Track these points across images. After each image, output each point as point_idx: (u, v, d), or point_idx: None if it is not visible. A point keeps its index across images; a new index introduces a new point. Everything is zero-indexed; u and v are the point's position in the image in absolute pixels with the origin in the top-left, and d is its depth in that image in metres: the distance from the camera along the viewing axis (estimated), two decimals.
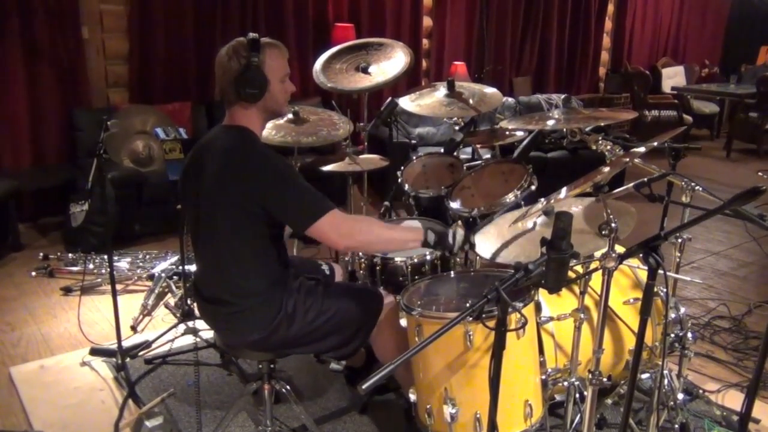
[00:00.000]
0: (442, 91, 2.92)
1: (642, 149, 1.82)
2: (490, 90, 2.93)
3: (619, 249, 1.83)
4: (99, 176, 2.76)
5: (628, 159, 1.81)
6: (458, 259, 2.82)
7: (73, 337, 3.23)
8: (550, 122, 2.15)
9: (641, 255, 1.56)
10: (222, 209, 1.98)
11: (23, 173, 4.61)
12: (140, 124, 4.61)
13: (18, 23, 4.49)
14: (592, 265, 1.97)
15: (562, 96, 6.48)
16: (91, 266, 3.98)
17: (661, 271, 1.56)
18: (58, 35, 4.65)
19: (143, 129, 4.59)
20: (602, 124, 2.09)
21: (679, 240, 2.27)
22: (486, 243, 2.12)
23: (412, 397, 1.99)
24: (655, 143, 1.94)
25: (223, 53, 1.99)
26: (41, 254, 4.10)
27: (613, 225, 1.66)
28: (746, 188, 1.38)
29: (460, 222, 2.14)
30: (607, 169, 1.84)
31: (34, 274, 3.95)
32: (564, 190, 1.85)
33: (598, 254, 1.86)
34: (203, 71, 5.21)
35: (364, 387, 1.29)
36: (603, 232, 1.67)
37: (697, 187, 2.15)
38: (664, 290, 2.36)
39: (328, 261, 2.63)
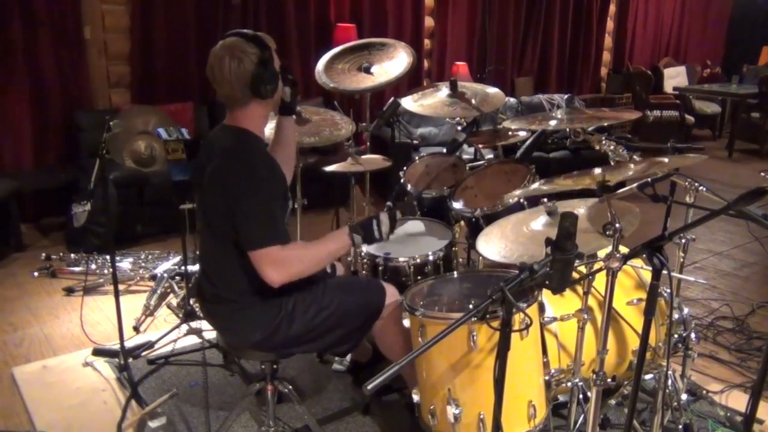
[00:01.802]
0: (444, 91, 2.91)
1: (666, 159, 1.79)
2: (493, 90, 2.93)
3: (623, 249, 1.82)
4: (101, 176, 2.76)
5: (633, 165, 1.80)
6: (461, 260, 2.83)
7: (76, 338, 3.23)
8: (553, 122, 2.15)
9: (645, 255, 1.56)
10: (217, 208, 1.98)
11: (25, 173, 4.62)
12: (142, 125, 4.60)
13: (20, 24, 4.49)
14: (597, 266, 1.96)
15: (565, 96, 6.48)
16: (93, 266, 3.98)
17: (665, 272, 1.55)
18: (59, 35, 4.66)
19: (145, 129, 4.58)
20: (605, 124, 2.08)
21: (683, 240, 2.26)
22: (489, 244, 2.12)
23: (416, 397, 1.98)
24: (663, 149, 1.93)
25: (227, 58, 1.94)
26: (43, 254, 4.10)
27: (617, 225, 1.65)
28: (750, 189, 1.37)
29: (386, 208, 2.13)
30: (598, 170, 1.82)
31: (36, 274, 3.95)
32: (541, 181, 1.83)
33: (602, 254, 1.86)
34: (205, 72, 5.19)
35: (369, 387, 1.28)
36: (607, 233, 1.66)
37: (701, 188, 2.15)
38: (668, 291, 2.36)
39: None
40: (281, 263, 1.91)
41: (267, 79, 1.96)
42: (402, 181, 2.89)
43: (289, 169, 2.32)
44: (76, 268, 4.01)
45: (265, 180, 1.95)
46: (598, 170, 1.76)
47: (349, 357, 2.82)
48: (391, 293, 2.22)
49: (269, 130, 2.83)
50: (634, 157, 1.84)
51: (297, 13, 5.69)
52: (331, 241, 2.08)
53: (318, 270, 2.08)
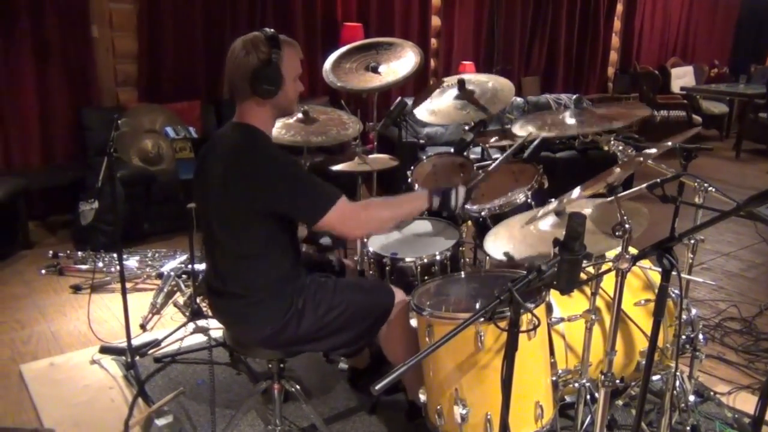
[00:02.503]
0: (451, 92, 2.90)
1: (655, 150, 1.81)
2: (502, 82, 2.90)
3: (631, 250, 1.82)
4: (109, 175, 2.77)
5: (642, 160, 1.80)
6: (467, 259, 2.82)
7: (83, 335, 3.24)
8: (567, 124, 2.14)
9: (655, 256, 1.55)
10: (231, 208, 1.98)
11: (33, 172, 4.63)
12: (149, 123, 4.60)
13: (28, 22, 4.51)
14: (605, 267, 1.96)
15: (572, 96, 6.46)
16: (100, 264, 3.99)
17: (674, 273, 1.55)
18: (67, 34, 4.67)
19: (152, 128, 4.59)
20: (618, 125, 2.07)
21: (692, 241, 2.26)
22: (497, 244, 2.11)
23: (422, 397, 1.98)
24: (669, 144, 1.92)
25: (239, 47, 1.96)
26: (51, 252, 4.12)
27: (626, 226, 1.65)
28: (761, 190, 1.37)
29: (461, 185, 2.18)
30: (618, 169, 1.83)
31: (43, 272, 3.97)
32: (577, 190, 1.84)
33: (611, 255, 1.85)
34: (212, 70, 5.22)
35: (377, 388, 1.28)
36: (617, 234, 1.66)
37: (710, 188, 2.14)
38: (676, 292, 2.36)
39: (338, 256, 2.63)
40: (356, 218, 2.01)
41: (266, 79, 1.96)
42: (409, 180, 2.89)
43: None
44: (84, 266, 4.02)
45: (290, 160, 1.97)
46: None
47: (347, 365, 2.82)
48: (399, 296, 2.22)
49: (274, 129, 2.85)
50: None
51: (304, 13, 5.70)
52: (410, 201, 2.18)
53: (396, 224, 2.21)
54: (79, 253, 4.15)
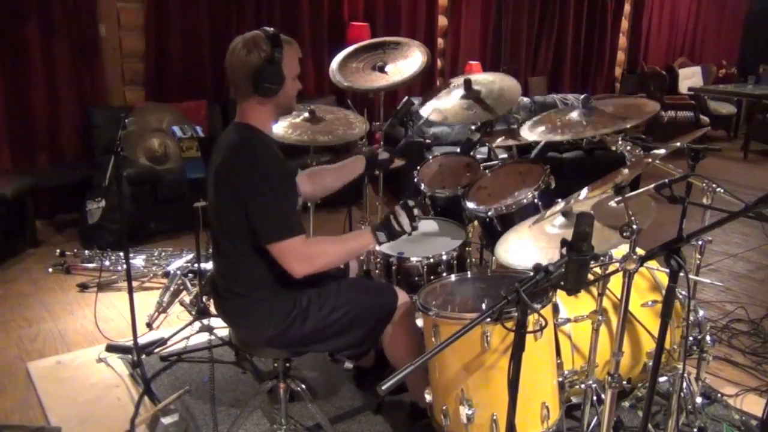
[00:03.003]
0: (458, 92, 2.89)
1: (663, 151, 1.80)
2: (508, 81, 2.89)
3: (638, 251, 1.81)
4: (116, 174, 2.77)
5: (650, 160, 1.79)
6: (474, 260, 2.82)
7: (90, 334, 3.25)
8: (576, 124, 2.13)
9: (662, 257, 1.55)
10: (228, 205, 2.00)
11: (40, 170, 4.66)
12: (156, 122, 4.61)
13: (36, 22, 4.53)
14: (613, 267, 1.95)
15: (579, 96, 6.43)
16: (107, 263, 4.00)
17: (682, 274, 1.54)
18: (75, 33, 4.69)
19: (159, 127, 4.60)
20: (629, 125, 2.06)
21: (699, 242, 2.24)
22: (504, 245, 2.11)
23: (428, 397, 1.98)
24: (678, 144, 1.91)
25: (240, 46, 1.97)
26: (58, 251, 4.14)
27: (634, 227, 1.64)
28: None
29: (397, 207, 2.14)
30: (626, 170, 1.82)
31: (50, 270, 3.99)
32: (584, 191, 1.83)
33: (618, 256, 1.84)
34: (219, 70, 5.22)
35: (383, 388, 1.28)
36: (624, 234, 1.65)
37: (718, 189, 2.13)
38: (683, 293, 2.34)
39: None
40: (306, 255, 1.96)
41: (268, 78, 1.96)
42: (416, 180, 2.89)
43: (325, 188, 2.51)
44: (90, 265, 4.03)
45: (275, 174, 1.96)
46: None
47: (352, 365, 2.82)
48: (402, 298, 2.22)
49: (280, 129, 2.86)
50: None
51: (311, 12, 5.70)
52: (355, 239, 2.14)
53: (339, 264, 2.15)
54: (86, 251, 4.17)
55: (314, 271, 1.98)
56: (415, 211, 2.11)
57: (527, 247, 2.07)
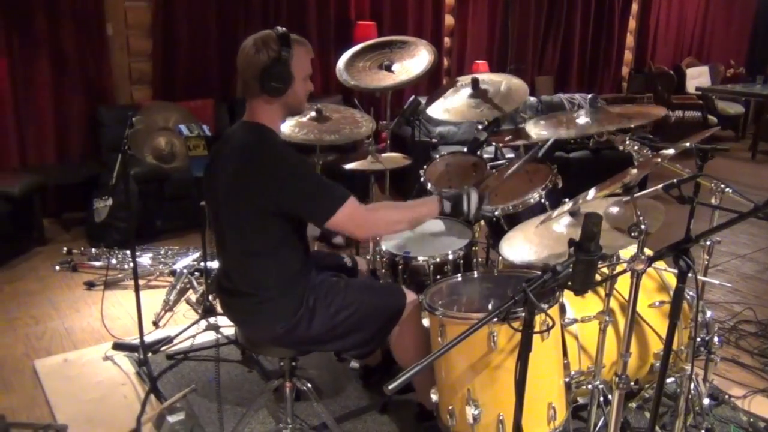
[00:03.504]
0: (465, 91, 2.89)
1: (672, 151, 1.79)
2: (515, 81, 2.89)
3: (646, 251, 1.80)
4: (123, 172, 2.78)
5: (659, 160, 1.78)
6: (480, 259, 2.81)
7: (96, 332, 3.26)
8: (581, 121, 2.12)
9: (670, 258, 1.54)
10: (240, 206, 1.99)
11: (48, 169, 4.67)
12: (163, 121, 4.63)
13: (43, 21, 4.54)
14: (620, 268, 1.94)
15: (587, 96, 6.41)
16: (113, 261, 4.02)
17: (690, 275, 1.53)
18: (83, 32, 4.71)
19: (166, 126, 4.62)
20: (633, 125, 2.05)
21: (708, 243, 2.23)
22: (512, 245, 2.10)
23: (434, 397, 1.98)
24: (686, 144, 1.90)
25: (250, 44, 1.97)
26: (65, 249, 4.15)
27: (642, 227, 1.63)
28: None
29: (472, 186, 2.14)
30: (635, 170, 1.82)
31: (58, 268, 4.00)
32: (592, 191, 1.82)
33: (626, 256, 1.83)
34: (226, 68, 5.24)
35: (390, 387, 1.28)
36: (632, 234, 1.64)
37: (727, 189, 2.12)
38: (691, 294, 2.33)
39: (351, 254, 2.62)
40: (364, 221, 2.01)
41: (275, 77, 1.96)
42: (422, 179, 2.88)
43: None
44: (97, 263, 4.05)
45: (299, 160, 1.97)
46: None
47: (358, 364, 2.81)
48: (409, 297, 2.21)
49: (286, 128, 2.86)
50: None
51: (317, 11, 5.70)
52: (420, 206, 2.15)
53: (405, 229, 2.18)
54: (93, 249, 4.18)
55: (378, 235, 2.00)
56: (485, 204, 2.15)
57: (533, 245, 2.06)
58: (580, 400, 2.40)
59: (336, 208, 1.93)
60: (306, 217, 2.02)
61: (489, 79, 2.91)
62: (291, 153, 1.98)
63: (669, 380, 2.45)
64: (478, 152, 2.95)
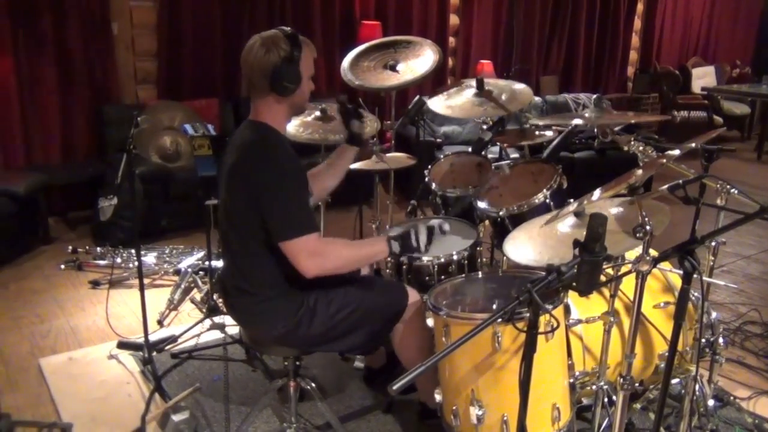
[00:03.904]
0: (470, 90, 2.89)
1: (678, 151, 1.79)
2: (520, 86, 2.89)
3: (651, 252, 1.79)
4: (128, 171, 2.79)
5: (664, 161, 1.77)
6: (485, 260, 2.81)
7: (101, 330, 3.27)
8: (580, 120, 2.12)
9: (676, 258, 1.53)
10: (238, 203, 2.00)
11: (53, 168, 4.68)
12: (168, 121, 4.65)
13: (49, 20, 4.55)
14: (625, 268, 1.93)
15: (592, 96, 6.40)
16: (118, 260, 4.02)
17: (696, 276, 1.53)
18: (88, 32, 4.72)
19: (171, 125, 4.64)
20: (633, 121, 2.04)
21: (713, 243, 2.22)
22: (516, 245, 2.10)
23: (438, 397, 1.97)
24: (692, 144, 1.90)
25: (258, 44, 1.97)
26: (70, 248, 4.16)
27: (647, 228, 1.63)
28: None
29: (422, 226, 2.13)
30: (640, 171, 1.81)
31: (63, 267, 4.01)
32: (597, 191, 1.82)
33: (630, 257, 1.83)
34: (231, 68, 5.24)
35: (394, 388, 1.28)
36: (638, 235, 1.64)
37: (732, 190, 2.11)
38: (696, 295, 2.32)
39: None
40: (319, 254, 1.95)
41: (287, 77, 1.97)
42: (426, 179, 2.88)
43: (325, 188, 2.46)
44: (102, 262, 4.06)
45: (290, 171, 1.96)
46: None
47: (363, 364, 2.82)
48: (413, 297, 2.21)
49: (291, 127, 2.86)
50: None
51: (322, 11, 5.70)
52: (370, 245, 2.13)
53: (351, 270, 2.12)
54: (98, 248, 4.19)
55: (324, 274, 1.97)
56: (435, 234, 2.12)
57: (537, 246, 2.05)
58: (585, 401, 2.39)
59: (297, 234, 1.91)
60: (269, 227, 1.96)
61: (494, 83, 2.91)
62: (286, 160, 1.97)
63: (674, 381, 2.45)
64: (483, 152, 2.95)
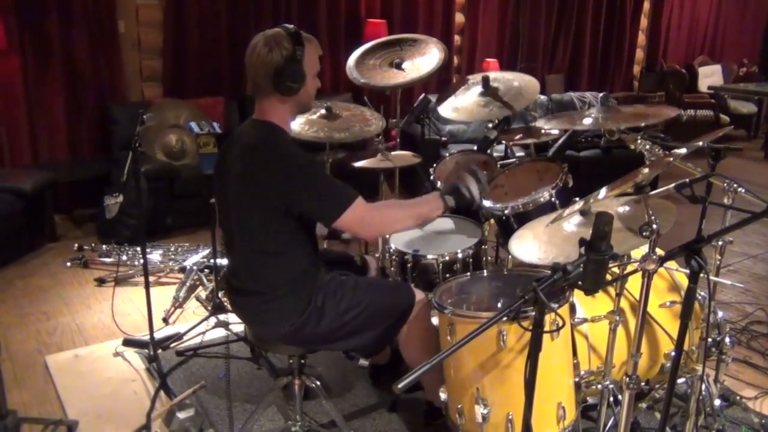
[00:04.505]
0: (476, 89, 2.88)
1: (685, 150, 1.78)
2: (526, 79, 2.87)
3: (658, 251, 1.79)
4: (133, 169, 2.79)
5: (671, 159, 1.76)
6: (490, 258, 2.80)
7: (107, 328, 3.28)
8: (588, 121, 2.11)
9: (683, 257, 1.53)
10: (249, 204, 1.99)
11: (59, 165, 4.70)
12: (173, 118, 4.65)
13: (56, 18, 4.57)
14: (631, 267, 1.93)
15: (597, 94, 6.38)
16: (124, 258, 4.04)
17: (702, 275, 1.52)
18: (95, 30, 4.73)
19: (176, 123, 4.63)
20: (643, 124, 2.04)
21: (720, 242, 2.21)
22: (521, 244, 2.09)
23: (443, 395, 1.97)
24: (700, 143, 1.89)
25: (261, 43, 1.95)
26: (76, 245, 4.18)
27: (654, 227, 1.62)
28: None
29: (466, 174, 2.13)
30: (646, 169, 1.80)
31: (69, 264, 4.03)
32: (603, 190, 1.81)
33: (637, 255, 1.82)
34: (236, 66, 5.25)
35: (399, 386, 1.27)
36: (644, 234, 1.63)
37: (740, 189, 2.10)
38: (702, 294, 2.32)
39: (361, 253, 2.62)
40: (371, 221, 2.01)
41: (290, 76, 1.95)
42: (432, 178, 2.88)
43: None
44: (108, 259, 4.07)
45: (305, 160, 1.96)
46: None
47: (367, 362, 2.82)
48: (418, 296, 2.21)
49: (296, 125, 2.86)
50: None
51: (328, 9, 5.70)
52: (424, 204, 2.13)
53: (412, 227, 2.20)
54: (104, 246, 4.20)
55: (384, 234, 2.00)
56: (483, 180, 2.12)
57: (542, 244, 2.05)
58: (590, 400, 2.39)
59: (344, 208, 1.93)
60: (314, 217, 2.03)
61: (500, 76, 2.90)
62: (300, 152, 1.97)
63: (680, 381, 2.43)
64: (489, 150, 2.94)
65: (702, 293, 2.31)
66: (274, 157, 1.95)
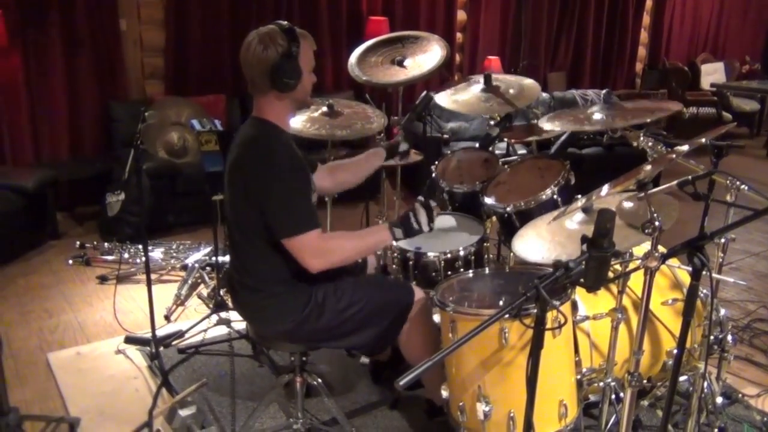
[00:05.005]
0: (478, 86, 2.88)
1: (687, 147, 1.77)
2: (527, 81, 2.88)
3: (660, 248, 1.78)
4: (135, 167, 2.79)
5: (673, 156, 1.76)
6: (491, 256, 2.80)
7: (109, 325, 3.28)
8: (596, 118, 2.10)
9: (686, 255, 1.52)
10: (241, 199, 2.00)
11: (61, 163, 4.71)
12: (175, 116, 4.66)
13: (58, 16, 4.57)
14: (633, 265, 1.92)
15: (600, 92, 6.37)
16: (126, 255, 4.04)
17: (705, 272, 1.52)
18: (96, 27, 4.74)
19: (178, 121, 4.64)
20: (648, 120, 2.03)
21: (722, 240, 2.21)
22: (523, 241, 2.09)
23: (445, 393, 1.97)
24: (702, 140, 1.88)
25: (256, 41, 1.95)
26: (78, 243, 4.18)
27: (656, 224, 1.61)
28: None
29: (418, 199, 2.11)
30: (649, 167, 1.80)
31: (71, 262, 4.03)
32: (606, 187, 1.81)
33: (639, 253, 1.82)
34: (238, 64, 5.17)
35: (401, 383, 1.27)
36: (646, 231, 1.62)
37: (742, 186, 2.09)
38: (704, 291, 2.31)
39: None
40: (321, 250, 1.95)
41: (287, 73, 1.95)
42: (434, 175, 2.87)
43: (342, 183, 2.47)
44: (110, 257, 4.07)
45: (287, 168, 1.95)
46: None
47: (368, 359, 2.81)
48: (418, 295, 2.21)
49: (298, 123, 2.86)
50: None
51: (329, 6, 5.69)
52: (372, 235, 2.11)
53: (356, 260, 2.14)
54: (106, 243, 4.21)
55: (330, 267, 1.97)
56: (434, 210, 2.09)
57: (545, 242, 2.04)
58: (592, 398, 2.38)
59: (299, 231, 1.91)
60: (269, 224, 1.95)
61: (502, 78, 2.90)
62: (285, 159, 1.96)
63: (682, 378, 2.43)
64: (490, 148, 2.94)
65: (704, 291, 2.31)
66: (257, 154, 1.95)
